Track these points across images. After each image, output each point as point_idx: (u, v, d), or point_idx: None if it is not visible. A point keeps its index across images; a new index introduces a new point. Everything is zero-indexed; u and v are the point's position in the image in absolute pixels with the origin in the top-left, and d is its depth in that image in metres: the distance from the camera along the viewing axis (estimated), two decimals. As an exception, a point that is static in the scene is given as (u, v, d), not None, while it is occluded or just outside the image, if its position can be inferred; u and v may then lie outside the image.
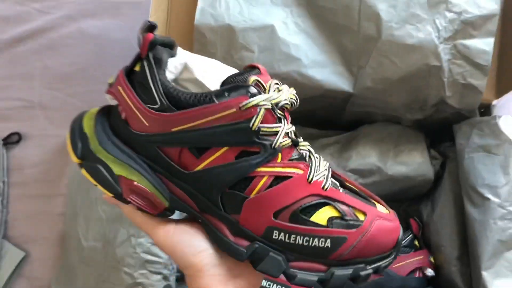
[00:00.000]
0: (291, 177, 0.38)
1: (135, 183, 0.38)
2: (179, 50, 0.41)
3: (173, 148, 0.38)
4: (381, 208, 0.40)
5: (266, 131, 0.37)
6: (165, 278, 0.55)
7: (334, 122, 0.69)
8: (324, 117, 0.67)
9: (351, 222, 0.38)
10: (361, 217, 0.38)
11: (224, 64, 0.42)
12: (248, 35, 0.58)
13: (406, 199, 0.69)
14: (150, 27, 0.38)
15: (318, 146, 0.65)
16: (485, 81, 0.57)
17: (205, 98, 0.37)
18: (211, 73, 0.41)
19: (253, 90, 0.37)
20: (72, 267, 0.59)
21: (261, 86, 0.38)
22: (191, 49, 0.60)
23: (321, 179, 0.38)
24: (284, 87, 0.40)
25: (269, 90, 0.38)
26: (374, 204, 0.40)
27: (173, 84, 0.39)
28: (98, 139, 0.39)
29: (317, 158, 0.40)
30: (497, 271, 0.52)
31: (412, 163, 0.62)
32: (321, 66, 0.59)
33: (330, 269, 0.37)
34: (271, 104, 0.37)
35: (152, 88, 0.38)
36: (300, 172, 0.38)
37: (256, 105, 0.37)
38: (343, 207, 0.38)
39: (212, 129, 0.37)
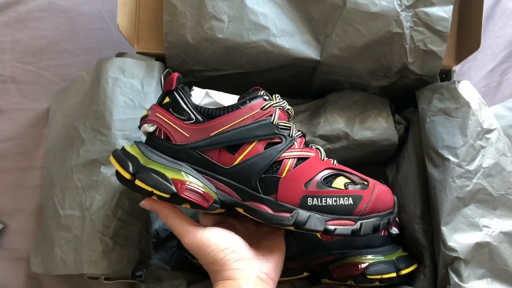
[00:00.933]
0: (308, 158, 0.49)
1: (188, 182, 0.46)
2: (196, 89, 0.52)
3: (213, 150, 0.48)
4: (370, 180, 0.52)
5: (283, 126, 0.49)
6: (141, 243, 0.57)
7: (304, 91, 0.71)
8: (294, 85, 0.69)
9: (361, 185, 0.50)
10: (365, 182, 0.51)
11: (231, 94, 0.52)
12: (218, 4, 0.59)
13: (373, 163, 0.72)
14: (168, 72, 0.51)
15: (288, 114, 0.67)
16: (444, 47, 0.60)
17: (231, 107, 0.48)
18: (225, 97, 0.51)
19: (266, 96, 0.50)
20: (49, 236, 0.60)
21: (269, 96, 0.50)
22: (161, 21, 0.60)
23: (329, 159, 0.51)
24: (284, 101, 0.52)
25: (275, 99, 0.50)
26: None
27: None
28: (146, 155, 0.48)
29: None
30: (455, 226, 0.56)
31: (378, 128, 0.65)
32: (290, 35, 0.61)
33: (357, 222, 0.48)
34: (281, 106, 0.50)
35: (186, 108, 0.49)
36: (313, 154, 0.50)
37: (273, 106, 0.49)
38: (352, 176, 0.51)
39: (243, 128, 0.48)
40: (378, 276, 0.58)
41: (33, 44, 0.74)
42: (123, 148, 0.49)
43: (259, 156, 0.48)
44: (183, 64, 0.63)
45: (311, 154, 0.50)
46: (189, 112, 0.49)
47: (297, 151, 0.49)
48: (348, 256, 0.59)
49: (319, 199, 0.47)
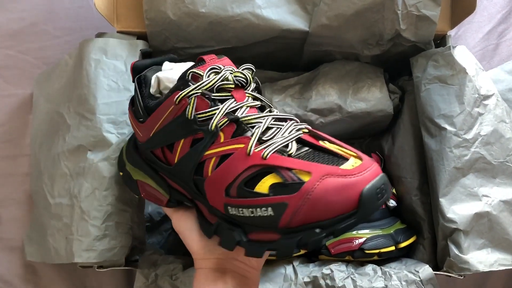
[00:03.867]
0: (231, 154, 0.39)
1: (145, 183, 0.47)
2: (166, 64, 0.48)
3: (157, 149, 0.45)
4: (351, 162, 0.37)
5: (202, 117, 0.40)
6: (134, 228, 0.56)
7: (294, 64, 0.68)
8: (284, 59, 0.67)
9: (292, 186, 0.35)
10: (305, 178, 0.35)
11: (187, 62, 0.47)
12: (198, -23, 0.56)
13: (368, 135, 0.70)
14: (145, 54, 0.48)
15: (279, 88, 0.65)
16: (438, 11, 0.57)
17: (159, 102, 0.43)
18: (177, 71, 0.45)
19: (186, 83, 0.41)
20: (41, 225, 0.59)
21: (197, 75, 0.41)
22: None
23: (264, 148, 0.38)
24: (226, 68, 0.42)
25: (203, 78, 0.41)
26: (345, 159, 0.37)
27: (158, 96, 0.46)
28: (125, 154, 0.51)
29: (276, 126, 0.40)
30: (454, 197, 0.54)
31: (372, 98, 0.63)
32: (276, 5, 0.58)
33: (279, 238, 0.36)
34: (202, 91, 0.40)
35: (139, 105, 0.46)
36: (242, 146, 0.39)
37: (186, 96, 0.40)
38: (284, 172, 0.37)
39: (167, 127, 0.43)
40: (376, 251, 0.57)
41: (11, 27, 0.71)
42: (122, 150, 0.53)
43: (187, 156, 0.42)
44: (166, 42, 0.60)
45: (239, 147, 0.39)
46: (140, 110, 0.46)
47: (221, 146, 0.40)
48: (345, 231, 0.58)
49: (237, 208, 0.38)
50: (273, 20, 0.58)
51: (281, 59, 0.66)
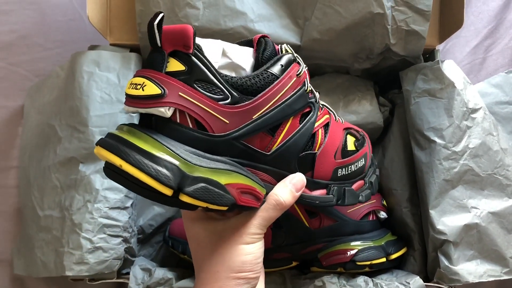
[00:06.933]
0: (329, 122, 0.45)
1: (238, 184, 0.36)
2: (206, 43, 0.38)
3: (255, 135, 0.38)
4: None
5: (310, 90, 0.42)
6: (126, 240, 0.56)
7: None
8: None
9: (362, 140, 0.49)
10: (358, 132, 0.49)
11: (227, 42, 0.39)
12: (191, -9, 0.57)
13: (359, 148, 0.71)
14: (161, 18, 0.34)
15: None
16: (427, 27, 0.58)
17: (267, 76, 0.38)
18: (240, 54, 0.38)
19: (293, 54, 0.40)
20: (30, 238, 0.58)
21: (291, 50, 0.41)
22: (133, 11, 0.58)
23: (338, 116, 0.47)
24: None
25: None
26: None
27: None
28: (184, 159, 0.34)
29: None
30: (443, 208, 0.55)
31: (362, 111, 0.64)
32: (268, 19, 0.59)
33: (365, 179, 0.49)
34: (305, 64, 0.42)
35: (218, 83, 0.35)
36: (328, 116, 0.45)
37: (304, 69, 0.41)
38: (354, 131, 0.48)
39: (284, 104, 0.39)
40: (368, 262, 0.57)
41: (2, 39, 0.71)
42: (136, 147, 0.33)
43: (299, 133, 0.40)
44: (159, 55, 0.60)
45: (327, 117, 0.45)
46: (223, 88, 0.36)
47: (321, 117, 0.44)
48: (337, 243, 0.58)
49: (346, 168, 0.45)
50: (265, 34, 0.59)
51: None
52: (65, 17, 0.73)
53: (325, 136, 0.43)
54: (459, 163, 0.55)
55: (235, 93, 0.36)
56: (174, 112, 0.34)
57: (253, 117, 0.37)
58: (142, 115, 0.36)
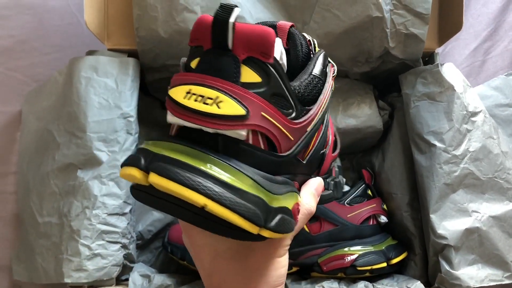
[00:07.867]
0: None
1: (297, 202, 0.32)
2: None
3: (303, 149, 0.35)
4: None
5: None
6: (124, 247, 0.55)
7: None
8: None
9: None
10: None
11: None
12: (189, -5, 0.56)
13: (359, 151, 0.71)
14: (231, 10, 0.28)
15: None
16: (426, 30, 0.58)
17: (316, 83, 0.34)
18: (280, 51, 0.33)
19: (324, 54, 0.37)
20: (29, 244, 0.58)
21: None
22: (131, 16, 0.58)
23: None
24: None
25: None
26: None
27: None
28: (265, 189, 0.29)
29: None
30: (444, 212, 0.55)
31: (361, 115, 0.63)
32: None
33: None
34: None
35: (289, 96, 0.31)
36: None
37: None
38: None
39: (325, 111, 0.37)
40: (368, 267, 0.57)
41: (0, 44, 0.71)
42: (222, 182, 0.27)
43: (321, 136, 0.38)
44: (157, 59, 0.60)
45: None
46: (292, 102, 0.31)
47: None
48: (337, 248, 0.58)
49: (335, 160, 0.46)
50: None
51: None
52: (63, 22, 0.72)
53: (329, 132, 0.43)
54: (459, 167, 0.55)
55: (298, 107, 0.32)
56: (248, 134, 0.29)
57: (307, 130, 0.34)
58: (193, 131, 0.29)
